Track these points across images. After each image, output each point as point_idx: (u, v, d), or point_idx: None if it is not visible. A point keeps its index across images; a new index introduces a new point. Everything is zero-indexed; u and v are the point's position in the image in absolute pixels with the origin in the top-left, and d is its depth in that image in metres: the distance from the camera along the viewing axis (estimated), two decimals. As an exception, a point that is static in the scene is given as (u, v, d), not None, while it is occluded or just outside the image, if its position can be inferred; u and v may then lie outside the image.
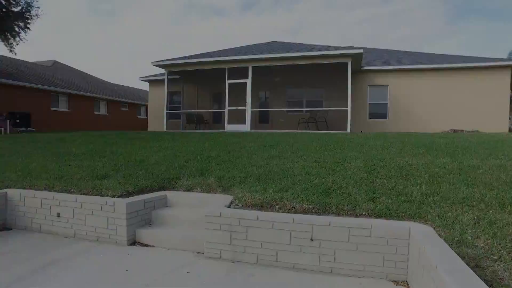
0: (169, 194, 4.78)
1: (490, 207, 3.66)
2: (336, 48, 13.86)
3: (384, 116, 15.55)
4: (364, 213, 3.70)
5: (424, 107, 14.98)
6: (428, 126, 14.38)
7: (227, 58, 14.59)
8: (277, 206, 3.90)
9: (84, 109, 24.81)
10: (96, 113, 26.31)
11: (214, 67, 15.19)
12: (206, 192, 4.78)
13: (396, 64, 15.56)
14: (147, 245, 4.20)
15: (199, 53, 17.17)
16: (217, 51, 16.70)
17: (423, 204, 3.83)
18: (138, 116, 31.47)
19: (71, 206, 4.51)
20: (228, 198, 4.38)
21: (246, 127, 14.38)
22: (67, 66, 30.91)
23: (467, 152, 6.60)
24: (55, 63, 29.25)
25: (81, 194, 4.71)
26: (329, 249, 3.42)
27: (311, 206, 3.84)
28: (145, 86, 25.01)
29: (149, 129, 19.73)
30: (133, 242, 4.25)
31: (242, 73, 14.83)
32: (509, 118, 15.55)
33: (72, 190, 4.85)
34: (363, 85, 15.68)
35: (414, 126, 14.56)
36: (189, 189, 4.92)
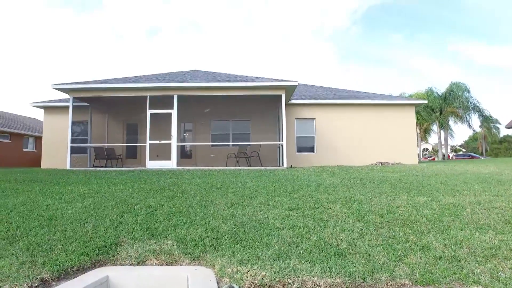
0: (112, 273, 3.16)
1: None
2: (272, 79, 13.36)
3: (311, 149, 15.47)
4: (406, 281, 2.80)
5: (349, 141, 15.36)
6: (353, 159, 14.74)
7: (150, 85, 12.84)
8: (294, 285, 2.73)
9: None
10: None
11: (134, 94, 13.26)
12: (168, 264, 3.33)
13: (322, 98, 15.85)
14: None
15: (103, 78, 14.94)
16: (136, 76, 14.80)
17: (456, 261, 3.11)
18: (25, 149, 26.44)
19: None
20: (206, 273, 3.05)
21: (171, 163, 12.62)
22: None
23: (426, 187, 6.41)
24: None
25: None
26: None
27: (339, 280, 2.78)
28: (36, 113, 21.09)
29: (43, 166, 16.33)
30: None
31: (165, 102, 13.27)
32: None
33: None
34: (291, 118, 15.48)
35: (340, 159, 14.78)
36: (141, 261, 3.38)
